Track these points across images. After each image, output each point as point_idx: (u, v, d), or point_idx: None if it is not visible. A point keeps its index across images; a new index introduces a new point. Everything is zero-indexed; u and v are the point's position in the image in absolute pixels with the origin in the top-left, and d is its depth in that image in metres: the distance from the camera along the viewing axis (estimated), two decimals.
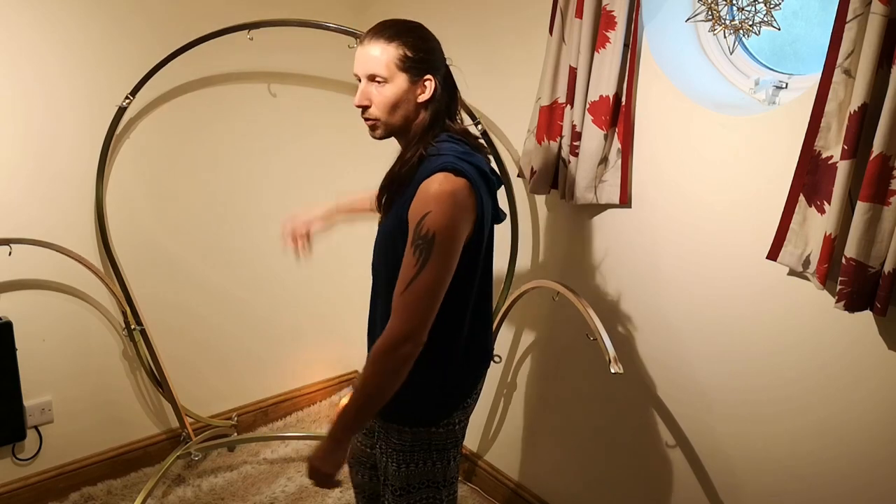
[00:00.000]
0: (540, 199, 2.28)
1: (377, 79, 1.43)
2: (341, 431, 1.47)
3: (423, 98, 1.45)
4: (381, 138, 1.53)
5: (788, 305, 1.69)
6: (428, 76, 1.44)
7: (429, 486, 1.62)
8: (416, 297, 1.36)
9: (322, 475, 1.48)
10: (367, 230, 3.13)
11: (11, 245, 2.17)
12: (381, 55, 1.41)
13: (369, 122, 1.49)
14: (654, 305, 2.00)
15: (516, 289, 2.29)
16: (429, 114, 1.47)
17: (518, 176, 2.25)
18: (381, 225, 1.54)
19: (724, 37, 1.87)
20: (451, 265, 1.39)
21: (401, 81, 1.42)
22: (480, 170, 1.45)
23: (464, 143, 1.50)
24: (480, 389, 1.67)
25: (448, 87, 1.51)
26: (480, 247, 1.49)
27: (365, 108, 1.47)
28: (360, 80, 1.46)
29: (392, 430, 1.59)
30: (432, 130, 1.47)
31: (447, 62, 1.51)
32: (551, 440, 2.39)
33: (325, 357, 3.21)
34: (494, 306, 2.36)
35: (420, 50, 1.43)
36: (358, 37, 2.27)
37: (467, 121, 2.24)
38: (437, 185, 1.36)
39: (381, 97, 1.43)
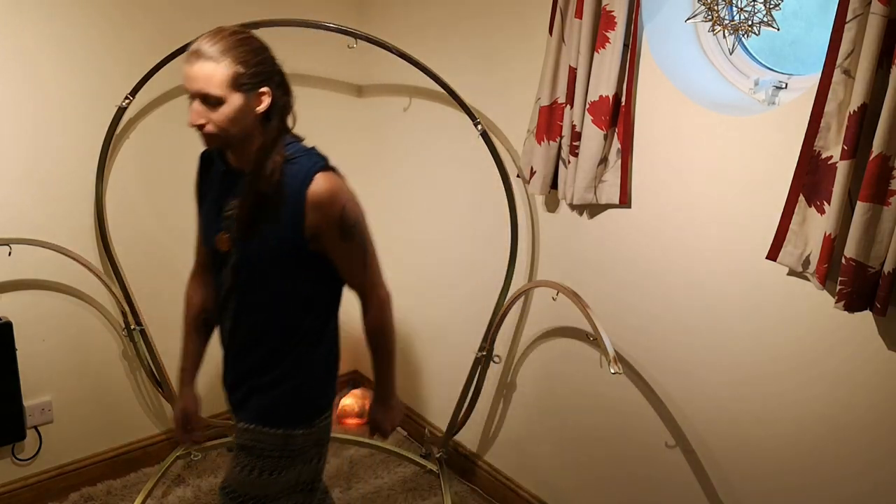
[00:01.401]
0: (540, 199, 2.28)
1: (210, 99, 1.38)
2: (392, 392, 1.69)
3: (260, 109, 1.43)
4: (216, 148, 1.52)
5: (788, 305, 1.69)
6: (263, 88, 1.42)
7: (303, 491, 1.63)
8: (377, 271, 1.58)
9: (389, 432, 1.73)
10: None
11: (11, 245, 2.17)
12: (211, 75, 1.36)
13: (205, 139, 1.45)
14: (653, 305, 2.00)
15: (516, 288, 2.29)
16: (274, 125, 1.45)
17: (518, 176, 2.25)
18: (246, 247, 1.49)
19: (724, 37, 1.87)
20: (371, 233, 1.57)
21: (236, 100, 1.38)
22: (329, 159, 1.52)
23: (299, 140, 1.53)
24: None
25: (284, 92, 1.48)
26: None
27: (201, 126, 1.42)
28: (191, 96, 1.41)
29: (262, 435, 1.55)
30: (281, 140, 1.47)
31: (279, 64, 1.48)
32: (551, 440, 2.39)
33: None
34: (495, 305, 2.37)
35: (251, 65, 1.39)
36: (358, 37, 2.27)
37: (459, 120, 2.25)
38: (329, 185, 1.45)
39: (219, 117, 1.39)
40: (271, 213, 1.45)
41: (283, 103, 1.47)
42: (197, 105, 1.40)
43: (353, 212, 1.48)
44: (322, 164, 1.48)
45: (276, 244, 1.47)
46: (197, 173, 1.64)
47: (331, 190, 1.45)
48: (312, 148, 1.52)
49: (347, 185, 1.51)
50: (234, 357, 1.63)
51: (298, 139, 1.53)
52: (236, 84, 1.37)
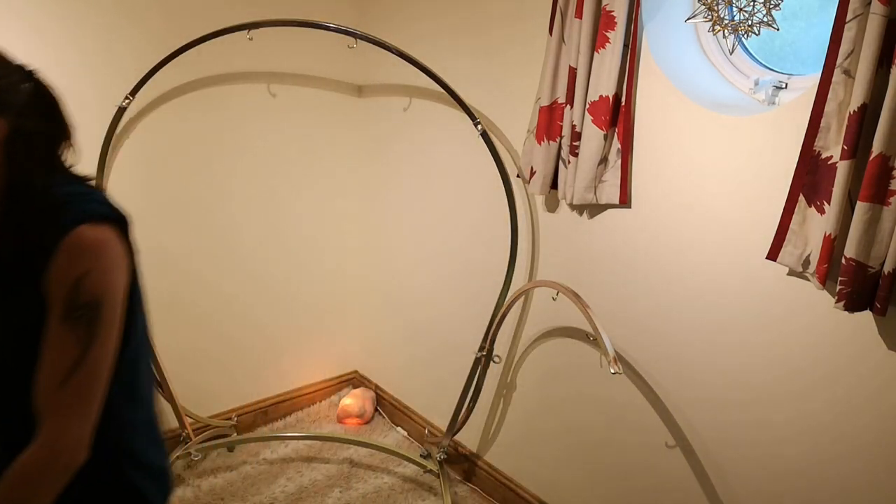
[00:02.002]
0: (540, 199, 2.28)
1: None
2: None
3: None
4: None
5: (788, 305, 1.69)
6: None
7: None
8: (86, 386, 1.04)
9: None
10: (365, 227, 3.12)
11: None
12: None
13: None
14: (653, 305, 2.00)
15: (516, 288, 2.29)
16: (21, 165, 1.06)
17: (518, 176, 2.25)
18: None
19: (724, 37, 1.87)
20: (116, 337, 1.08)
21: None
22: (117, 209, 1.12)
23: (79, 182, 1.15)
24: None
25: (39, 117, 1.10)
26: (137, 302, 1.16)
27: None
28: None
29: None
30: (34, 184, 1.07)
31: (33, 76, 1.12)
32: (551, 440, 2.39)
33: (325, 357, 3.21)
34: (495, 305, 2.37)
35: None
36: (358, 37, 2.27)
37: (459, 120, 2.25)
38: (92, 240, 1.04)
39: None
40: (23, 275, 1.04)
41: (30, 135, 1.07)
42: None
43: (97, 286, 1.04)
44: (101, 213, 1.07)
45: (30, 316, 1.04)
46: None
47: (88, 246, 1.03)
48: (95, 191, 1.13)
49: (119, 257, 1.08)
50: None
51: (78, 180, 1.14)
52: None
